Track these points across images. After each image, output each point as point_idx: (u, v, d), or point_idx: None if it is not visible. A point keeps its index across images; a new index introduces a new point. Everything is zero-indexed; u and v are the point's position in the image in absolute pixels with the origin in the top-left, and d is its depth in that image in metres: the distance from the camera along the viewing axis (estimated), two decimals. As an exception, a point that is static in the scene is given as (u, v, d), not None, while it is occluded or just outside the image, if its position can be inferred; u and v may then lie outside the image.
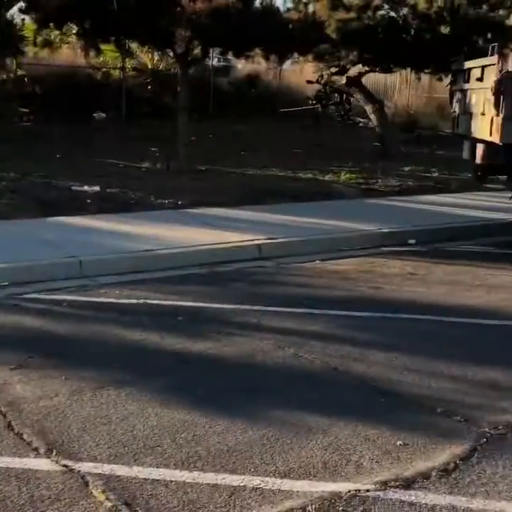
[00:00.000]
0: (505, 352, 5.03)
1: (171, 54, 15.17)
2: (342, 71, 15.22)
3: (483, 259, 7.63)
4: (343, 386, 4.45)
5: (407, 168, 13.11)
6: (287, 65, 18.40)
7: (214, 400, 4.14)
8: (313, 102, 21.45)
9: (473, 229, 8.69)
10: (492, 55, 7.43)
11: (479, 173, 8.27)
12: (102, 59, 18.91)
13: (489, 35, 13.17)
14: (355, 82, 15.55)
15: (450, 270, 7.18)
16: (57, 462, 3.42)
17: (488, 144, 7.50)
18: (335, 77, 16.42)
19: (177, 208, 9.19)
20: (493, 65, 7.04)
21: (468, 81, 8.28)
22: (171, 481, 3.29)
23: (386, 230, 8.38)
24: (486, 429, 3.86)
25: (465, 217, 9.16)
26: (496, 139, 7.07)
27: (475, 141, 7.94)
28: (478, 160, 7.83)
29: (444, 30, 13.16)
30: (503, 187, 8.99)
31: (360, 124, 20.84)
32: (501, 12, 14.17)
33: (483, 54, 8.01)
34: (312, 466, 3.47)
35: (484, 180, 8.86)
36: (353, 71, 15.48)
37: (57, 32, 14.35)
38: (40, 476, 3.29)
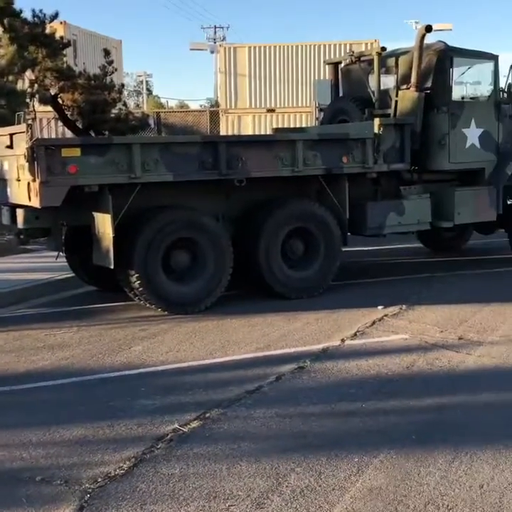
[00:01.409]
0: (85, 406, 5.21)
1: None
2: None
3: (41, 321, 7.73)
4: None
5: None
6: None
7: None
8: None
9: (24, 292, 8.73)
10: (19, 123, 7.61)
11: (22, 237, 8.35)
12: None
13: (3, 101, 13.41)
14: None
15: (10, 337, 7.12)
16: None
17: (29, 208, 7.66)
18: None
19: None
20: (23, 132, 7.22)
21: (-3, 148, 8.31)
22: None
23: None
24: (87, 486, 3.98)
25: (13, 281, 9.12)
26: (35, 203, 7.26)
27: (14, 206, 8.01)
28: (20, 225, 7.90)
29: None
30: (45, 248, 9.23)
31: None
32: (11, 78, 14.50)
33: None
34: None
35: (27, 242, 8.97)
36: None
37: None
38: None
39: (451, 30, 30.99)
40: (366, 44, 20.25)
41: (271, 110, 22.82)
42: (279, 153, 8.32)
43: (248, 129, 22.31)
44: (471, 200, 9.63)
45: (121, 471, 4.16)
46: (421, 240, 11.89)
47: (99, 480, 4.05)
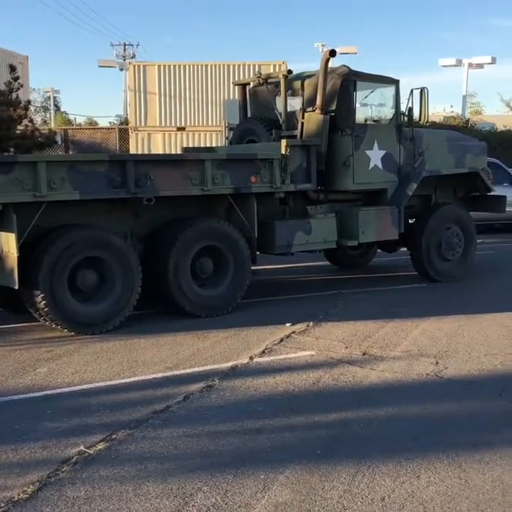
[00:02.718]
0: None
1: None
2: None
3: None
4: None
5: None
6: None
7: None
8: None
9: None
10: None
11: None
12: None
13: None
14: None
15: None
16: None
17: None
18: None
19: None
20: None
21: None
22: None
23: None
24: (-12, 513, 3.89)
25: None
26: None
27: None
28: None
29: None
30: None
31: None
32: None
33: None
34: None
35: None
36: None
37: None
38: None
39: (356, 53, 31.89)
40: (274, 65, 20.61)
41: (181, 128, 22.87)
42: (188, 173, 8.37)
43: (158, 147, 22.28)
44: (374, 220, 9.94)
45: (25, 495, 4.08)
46: (328, 257, 12.16)
47: (2, 505, 3.95)
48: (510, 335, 7.65)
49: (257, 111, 10.91)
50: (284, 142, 9.11)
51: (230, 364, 6.63)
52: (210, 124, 22.90)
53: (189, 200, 8.65)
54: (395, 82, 10.29)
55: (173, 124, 22.89)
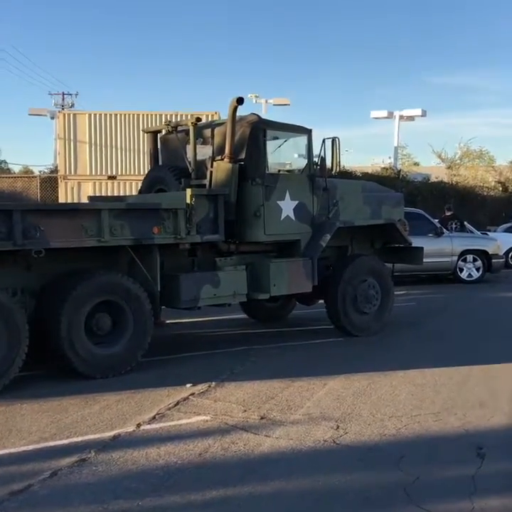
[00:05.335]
0: None
1: None
2: None
3: None
4: None
5: None
6: None
7: None
8: None
9: None
10: None
11: None
12: None
13: None
14: None
15: None
16: None
17: None
18: None
19: None
20: None
21: None
22: None
23: None
24: None
25: None
26: None
27: None
28: None
29: None
30: None
31: None
32: None
33: None
34: None
35: None
36: None
37: None
38: None
39: (289, 105, 32.00)
40: (207, 115, 20.38)
41: (112, 177, 22.44)
42: (82, 223, 7.87)
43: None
44: (286, 272, 9.54)
45: None
46: (245, 310, 11.72)
47: None
48: (419, 394, 7.29)
49: (168, 159, 10.53)
50: (189, 191, 8.71)
51: (112, 433, 6.04)
52: (141, 172, 22.41)
53: (87, 252, 8.13)
54: (308, 132, 10.03)
55: (104, 173, 22.46)
